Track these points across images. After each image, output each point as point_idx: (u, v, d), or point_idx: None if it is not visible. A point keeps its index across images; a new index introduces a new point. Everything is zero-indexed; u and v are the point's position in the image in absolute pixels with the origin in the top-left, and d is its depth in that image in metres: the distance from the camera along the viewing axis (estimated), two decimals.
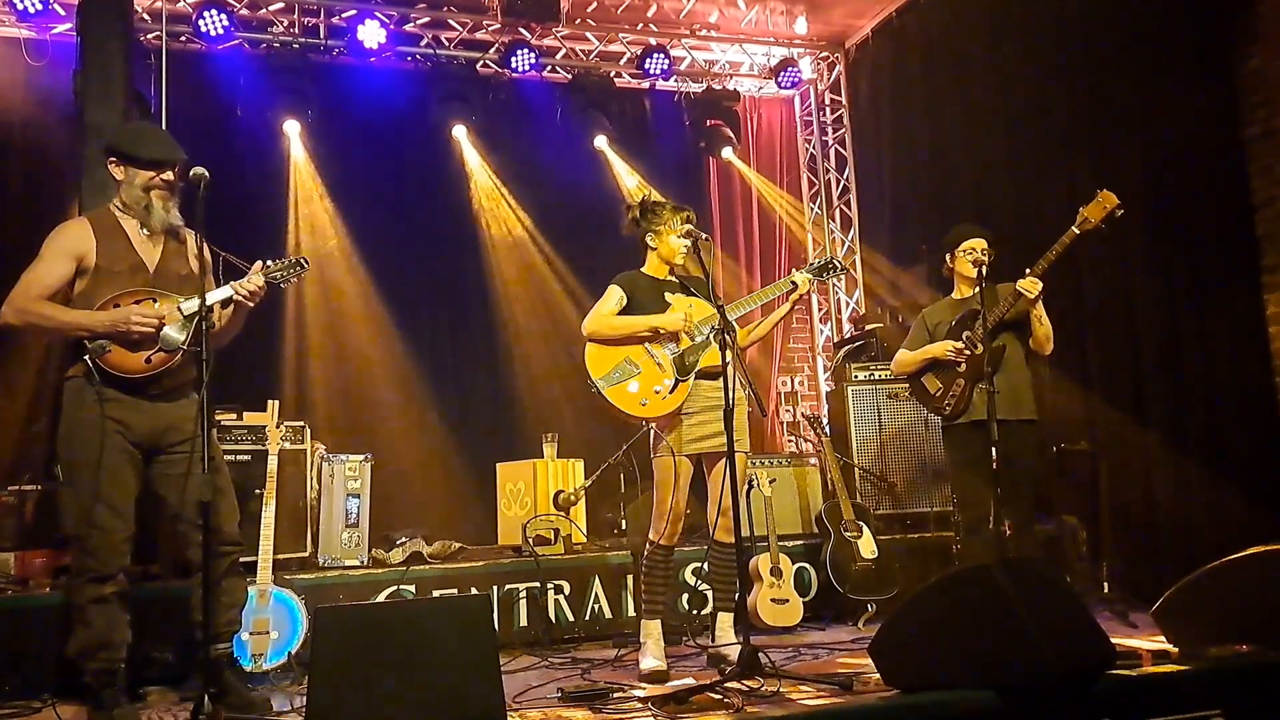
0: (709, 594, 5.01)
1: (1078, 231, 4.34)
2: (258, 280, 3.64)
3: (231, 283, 3.64)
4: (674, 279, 4.40)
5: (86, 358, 3.49)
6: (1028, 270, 4.37)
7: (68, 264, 3.58)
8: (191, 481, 3.41)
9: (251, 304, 3.68)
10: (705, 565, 4.73)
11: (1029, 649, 2.89)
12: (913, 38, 7.39)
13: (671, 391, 4.16)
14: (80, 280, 3.60)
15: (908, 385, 4.92)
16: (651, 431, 4.27)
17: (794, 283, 4.38)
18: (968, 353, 4.54)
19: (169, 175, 3.66)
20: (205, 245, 3.66)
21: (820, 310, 8.60)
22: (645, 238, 4.36)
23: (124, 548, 3.55)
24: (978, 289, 4.45)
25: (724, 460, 4.20)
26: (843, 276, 8.24)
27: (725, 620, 4.31)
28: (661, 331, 4.21)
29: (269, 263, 3.72)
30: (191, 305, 3.54)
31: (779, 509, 5.46)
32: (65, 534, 3.76)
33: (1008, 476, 4.25)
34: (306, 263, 3.77)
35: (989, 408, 4.24)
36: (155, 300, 3.57)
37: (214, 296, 3.59)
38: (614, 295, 4.29)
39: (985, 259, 4.56)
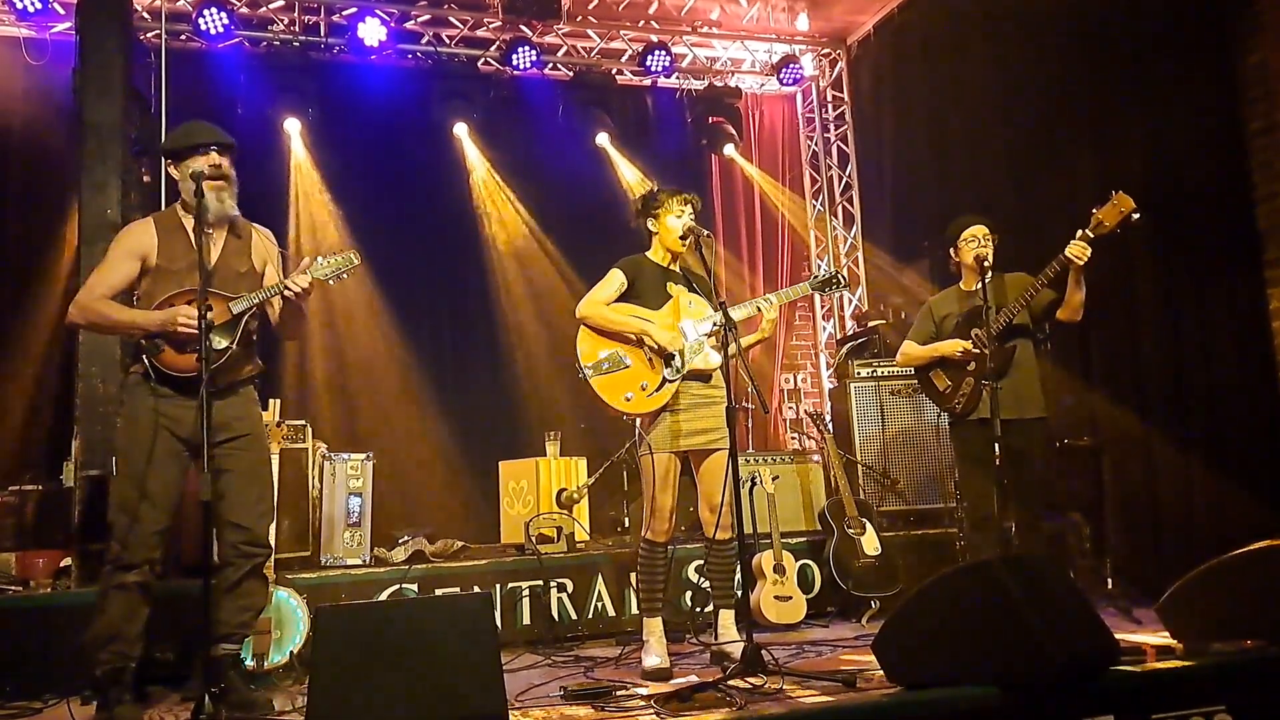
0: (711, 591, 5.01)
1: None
2: (303, 280, 3.67)
3: (283, 280, 3.72)
4: (677, 270, 4.36)
5: (144, 356, 3.59)
6: (1077, 234, 4.19)
7: (132, 264, 3.68)
8: (216, 479, 3.46)
9: (302, 301, 3.72)
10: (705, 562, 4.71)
11: (1033, 645, 2.88)
12: (914, 34, 7.38)
13: (658, 389, 4.13)
14: (144, 279, 3.71)
15: (915, 377, 4.90)
16: (637, 428, 4.24)
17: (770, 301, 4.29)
18: (977, 352, 4.52)
19: (216, 159, 3.68)
20: (260, 238, 3.86)
21: (823, 307, 8.58)
22: (647, 224, 4.35)
23: (153, 540, 3.60)
24: (983, 281, 4.40)
25: (712, 457, 4.19)
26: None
27: (727, 617, 4.28)
28: (648, 343, 4.16)
29: (318, 260, 3.74)
30: (241, 305, 3.62)
31: (782, 506, 5.45)
32: (106, 522, 3.80)
33: (1015, 473, 4.23)
34: (356, 259, 3.78)
35: (992, 404, 4.22)
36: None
37: (263, 296, 3.68)
38: (614, 280, 4.24)
39: (987, 247, 4.52)
